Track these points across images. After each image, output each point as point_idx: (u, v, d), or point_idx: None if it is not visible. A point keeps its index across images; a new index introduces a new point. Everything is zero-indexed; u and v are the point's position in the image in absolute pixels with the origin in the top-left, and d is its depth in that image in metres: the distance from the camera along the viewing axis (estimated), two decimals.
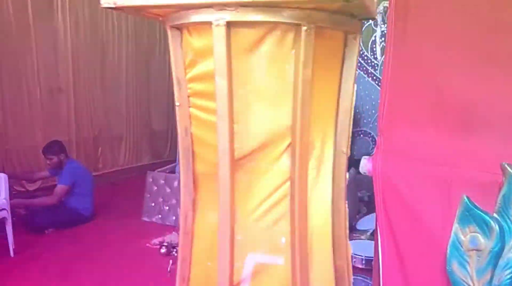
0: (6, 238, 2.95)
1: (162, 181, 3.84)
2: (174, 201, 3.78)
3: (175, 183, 3.79)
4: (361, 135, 5.83)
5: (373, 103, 5.67)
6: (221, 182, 0.99)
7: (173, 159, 6.39)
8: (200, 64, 1.00)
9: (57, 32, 4.39)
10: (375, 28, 5.52)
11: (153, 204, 3.86)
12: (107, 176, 5.13)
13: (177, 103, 1.05)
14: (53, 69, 4.40)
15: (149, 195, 3.89)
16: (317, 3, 0.87)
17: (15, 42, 3.97)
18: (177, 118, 1.07)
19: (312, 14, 0.89)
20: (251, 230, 1.04)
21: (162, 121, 6.29)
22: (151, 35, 5.87)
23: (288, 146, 1.00)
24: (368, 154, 6.07)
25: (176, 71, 1.05)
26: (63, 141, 3.87)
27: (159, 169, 4.10)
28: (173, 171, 4.07)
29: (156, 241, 3.36)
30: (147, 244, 3.32)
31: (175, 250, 3.17)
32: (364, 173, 1.28)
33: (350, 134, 1.11)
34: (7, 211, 2.91)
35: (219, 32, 0.90)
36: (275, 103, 0.98)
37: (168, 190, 3.82)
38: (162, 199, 3.83)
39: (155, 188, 3.87)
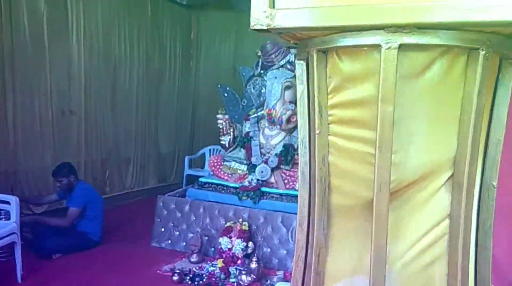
0: (15, 263, 2.88)
1: (173, 206, 3.78)
2: (184, 226, 3.71)
3: (186, 208, 3.74)
4: None
5: None
6: (376, 221, 0.90)
7: (179, 183, 6.36)
8: (349, 89, 0.94)
9: (71, 55, 4.43)
10: None
11: (163, 229, 3.78)
12: (114, 199, 5.06)
13: (316, 131, 0.97)
14: (66, 92, 4.41)
15: (159, 220, 3.82)
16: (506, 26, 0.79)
17: (30, 64, 4.00)
18: (316, 147, 0.99)
19: (491, 38, 0.84)
20: (400, 276, 0.95)
21: (169, 145, 6.27)
22: (162, 60, 5.93)
23: (448, 179, 0.92)
24: None
25: (318, 97, 0.97)
26: (72, 164, 3.83)
27: (170, 193, 4.04)
28: (183, 195, 4.01)
29: (167, 268, 3.28)
30: (158, 271, 3.23)
31: (187, 277, 3.09)
32: None
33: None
34: (17, 235, 2.84)
35: (389, 56, 0.83)
36: (438, 132, 0.91)
37: (178, 214, 3.75)
38: (172, 224, 3.75)
39: (166, 212, 3.80)
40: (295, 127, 3.93)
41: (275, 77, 3.89)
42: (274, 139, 3.93)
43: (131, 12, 5.28)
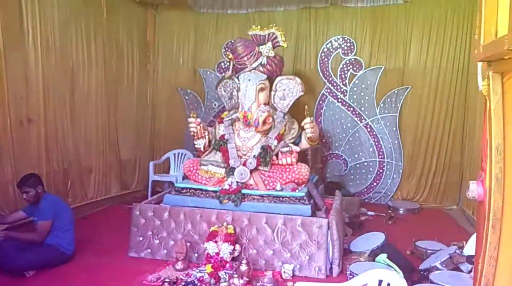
0: None
1: (151, 213, 3.68)
2: (165, 234, 3.62)
3: (165, 215, 3.66)
4: (333, 158, 6.02)
5: (343, 127, 5.92)
6: None
7: (142, 189, 6.18)
8: None
9: (27, 60, 4.14)
10: (343, 57, 5.82)
11: (141, 238, 3.67)
12: (78, 211, 4.80)
13: None
14: (23, 99, 4.11)
15: (136, 229, 3.70)
16: None
17: None
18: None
19: None
20: None
21: (130, 151, 6.06)
22: (120, 63, 5.72)
23: None
24: (340, 176, 6.24)
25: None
26: None
27: (146, 201, 3.93)
28: (158, 202, 3.91)
29: (152, 277, 3.20)
30: (144, 282, 3.13)
31: (175, 285, 3.03)
32: (473, 198, 1.29)
33: None
34: None
35: None
36: None
37: (157, 222, 3.66)
38: (151, 233, 3.65)
39: (143, 221, 3.69)
40: (270, 129, 4.00)
41: (249, 80, 3.93)
42: (250, 141, 3.96)
43: (87, 11, 5.03)
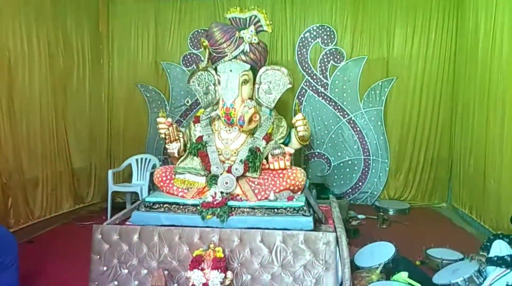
0: None
1: (116, 237, 2.96)
2: (135, 262, 2.92)
3: (135, 238, 2.96)
4: (315, 158, 5.53)
5: (325, 123, 5.44)
6: None
7: (100, 202, 5.38)
8: None
9: None
10: (323, 47, 5.34)
11: (105, 268, 2.94)
12: (22, 233, 3.99)
13: None
14: None
15: (98, 257, 2.97)
16: None
17: None
18: None
19: None
20: None
21: (83, 158, 5.26)
22: (68, 57, 4.90)
23: None
24: (323, 176, 5.71)
25: None
26: None
27: (108, 221, 3.20)
28: (123, 221, 3.21)
29: None
30: None
31: None
32: None
33: None
34: None
35: None
36: None
37: (125, 247, 2.95)
38: (117, 261, 2.94)
39: (107, 246, 2.96)
40: (256, 127, 3.41)
41: (230, 70, 3.31)
42: (234, 142, 3.35)
43: None
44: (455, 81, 5.09)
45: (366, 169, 5.40)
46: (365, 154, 5.38)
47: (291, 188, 3.19)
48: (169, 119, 3.35)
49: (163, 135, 3.35)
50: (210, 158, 3.27)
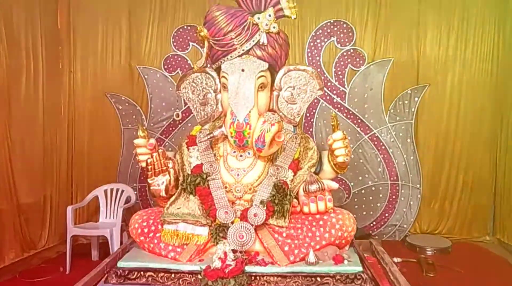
0: None
1: None
2: None
3: None
4: None
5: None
6: None
7: (55, 245, 4.24)
8: None
9: None
10: (340, 47, 4.45)
11: None
12: None
13: None
14: None
15: None
16: None
17: None
18: None
19: None
20: None
21: (34, 191, 4.13)
22: (14, 60, 3.83)
23: None
24: (341, 207, 4.60)
25: None
26: None
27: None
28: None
29: None
30: None
31: None
32: None
33: None
34: None
35: None
36: None
37: None
38: None
39: None
40: (277, 152, 2.43)
41: (243, 70, 2.34)
42: (249, 174, 2.36)
43: None
44: (499, 87, 4.29)
45: (394, 196, 4.48)
46: (392, 178, 4.47)
47: (337, 241, 2.23)
48: (152, 141, 2.33)
49: (143, 164, 2.32)
50: (214, 198, 2.27)
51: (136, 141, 2.32)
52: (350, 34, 4.39)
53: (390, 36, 4.38)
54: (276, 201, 2.18)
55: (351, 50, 4.40)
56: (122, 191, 4.10)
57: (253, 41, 2.42)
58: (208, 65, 2.62)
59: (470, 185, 4.47)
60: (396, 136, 4.43)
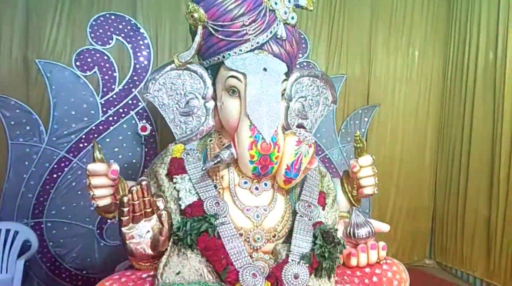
0: None
1: None
2: None
3: None
4: None
5: None
6: None
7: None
8: None
9: None
10: None
11: None
12: None
13: None
14: None
15: None
16: None
17: None
18: None
19: None
20: None
21: None
22: None
23: None
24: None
25: None
26: None
27: None
28: None
29: None
30: None
31: None
32: None
33: None
34: None
35: None
36: None
37: None
38: None
39: None
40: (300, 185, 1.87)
41: (264, 69, 1.72)
42: (270, 213, 1.72)
43: None
44: (442, 112, 4.40)
45: None
46: None
47: None
48: (116, 167, 1.54)
49: (104, 203, 1.53)
50: (229, 252, 1.57)
51: (91, 167, 1.52)
52: (304, 45, 4.03)
53: (343, 51, 4.14)
54: (326, 255, 1.58)
55: (304, 63, 4.04)
56: (16, 232, 2.96)
57: (271, 32, 1.83)
58: (193, 58, 1.92)
59: (412, 211, 4.45)
60: (346, 158, 4.18)
